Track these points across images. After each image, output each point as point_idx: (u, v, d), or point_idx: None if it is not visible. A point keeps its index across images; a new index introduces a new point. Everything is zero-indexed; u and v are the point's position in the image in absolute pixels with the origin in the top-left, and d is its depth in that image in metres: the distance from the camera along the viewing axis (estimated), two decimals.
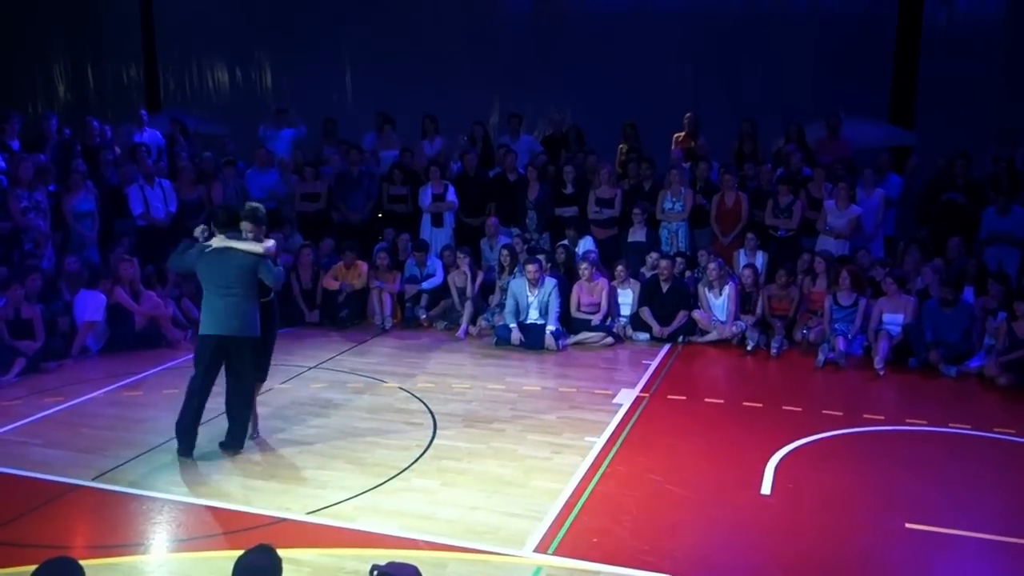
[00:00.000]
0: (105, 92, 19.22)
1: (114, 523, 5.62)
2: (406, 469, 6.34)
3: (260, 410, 7.19)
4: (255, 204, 6.89)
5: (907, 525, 5.48)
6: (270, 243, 6.70)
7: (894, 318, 9.33)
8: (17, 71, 19.23)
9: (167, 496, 5.90)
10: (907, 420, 7.50)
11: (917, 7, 13.93)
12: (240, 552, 3.21)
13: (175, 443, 6.61)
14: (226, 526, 5.53)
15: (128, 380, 8.58)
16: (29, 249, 9.95)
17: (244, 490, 5.98)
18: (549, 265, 10.41)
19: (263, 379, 7.11)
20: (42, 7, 18.65)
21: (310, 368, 8.99)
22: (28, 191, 10.02)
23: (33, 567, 3.09)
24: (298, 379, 8.59)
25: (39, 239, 10.03)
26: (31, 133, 11.78)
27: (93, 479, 6.15)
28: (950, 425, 7.36)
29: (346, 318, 10.78)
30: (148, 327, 9.75)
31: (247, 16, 17.54)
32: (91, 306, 9.44)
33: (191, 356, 9.36)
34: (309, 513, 5.62)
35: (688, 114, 12.30)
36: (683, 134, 12.28)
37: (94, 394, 8.15)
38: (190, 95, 18.53)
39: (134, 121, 12.76)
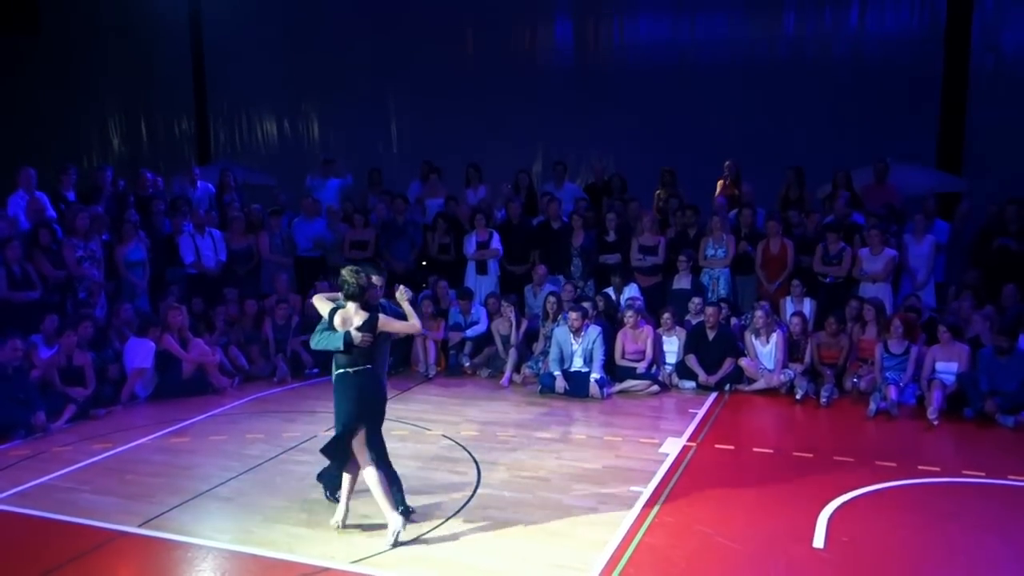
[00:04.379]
0: (158, 144, 19.76)
1: (158, 570, 5.64)
2: (451, 518, 6.28)
3: (307, 458, 7.18)
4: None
5: None
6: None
7: (948, 367, 9.11)
8: (74, 125, 19.90)
9: (211, 544, 5.91)
10: (964, 472, 7.27)
11: (964, 53, 13.84)
12: None
13: (221, 490, 6.62)
14: (269, 575, 5.51)
15: (175, 427, 8.67)
16: (83, 298, 10.18)
17: (288, 538, 5.96)
18: (595, 312, 10.36)
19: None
20: (97, 62, 19.34)
21: None
22: (83, 241, 10.29)
23: None
24: None
25: (93, 288, 10.27)
26: (86, 184, 12.13)
27: (139, 526, 6.18)
28: (1009, 477, 7.11)
29: (390, 366, 10.76)
30: (195, 374, 9.87)
31: (295, 70, 17.97)
32: (140, 353, 9.60)
33: (238, 403, 9.58)
34: (353, 563, 5.58)
35: (728, 162, 12.29)
36: (726, 181, 12.26)
37: (142, 440, 8.24)
38: (240, 146, 18.97)
39: (186, 176, 13.07)
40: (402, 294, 6.29)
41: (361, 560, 5.60)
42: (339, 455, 6.02)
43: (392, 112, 17.91)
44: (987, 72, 14.13)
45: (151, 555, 5.82)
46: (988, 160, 13.32)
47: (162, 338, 9.81)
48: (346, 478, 6.13)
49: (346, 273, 5.91)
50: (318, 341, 5.97)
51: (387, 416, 8.80)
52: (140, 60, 19.21)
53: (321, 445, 6.15)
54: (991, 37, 14.26)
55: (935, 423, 8.58)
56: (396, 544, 5.75)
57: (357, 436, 5.92)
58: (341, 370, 5.98)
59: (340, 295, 6.00)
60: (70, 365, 9.07)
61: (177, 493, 6.77)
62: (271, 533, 6.06)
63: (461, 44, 17.33)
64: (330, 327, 5.92)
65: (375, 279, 6.19)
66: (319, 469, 6.59)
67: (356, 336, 5.82)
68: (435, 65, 16.96)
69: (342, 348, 5.83)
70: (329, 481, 6.53)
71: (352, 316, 5.92)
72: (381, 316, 5.98)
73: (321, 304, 6.15)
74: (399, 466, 7.33)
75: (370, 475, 5.89)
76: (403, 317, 6.24)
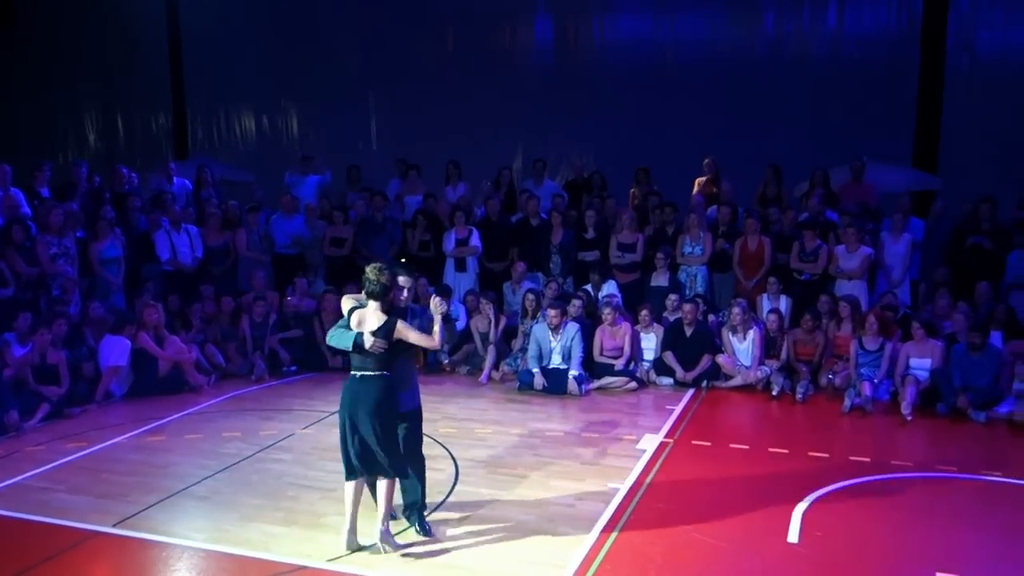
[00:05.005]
0: (134, 140, 19.61)
1: (133, 570, 5.60)
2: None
3: (284, 456, 7.14)
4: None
5: (938, 575, 5.33)
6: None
7: (921, 363, 9.20)
8: (49, 120, 19.72)
9: (187, 543, 5.87)
10: (936, 467, 7.34)
11: (939, 52, 13.96)
12: None
13: (196, 489, 6.59)
14: (245, 574, 5.49)
15: (151, 425, 8.61)
16: (57, 295, 10.08)
17: (264, 537, 5.94)
18: (580, 309, 10.37)
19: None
20: (73, 58, 19.17)
21: (332, 413, 8.91)
22: (57, 238, 10.19)
23: None
24: (320, 424, 8.58)
25: (67, 285, 10.16)
26: (61, 180, 12.01)
27: (114, 525, 6.13)
28: (981, 472, 7.20)
29: None
30: (172, 372, 9.80)
31: (274, 65, 17.87)
32: (115, 351, 9.52)
33: (214, 401, 9.52)
34: (330, 560, 5.57)
35: (707, 159, 12.35)
36: (704, 179, 12.31)
37: (117, 439, 8.17)
38: (218, 143, 18.86)
39: (162, 173, 12.96)
40: (437, 305, 5.79)
41: (337, 559, 5.58)
42: (346, 470, 5.70)
43: (372, 109, 17.87)
44: (962, 72, 14.28)
45: (126, 555, 5.77)
46: (963, 159, 13.45)
47: (137, 336, 9.74)
48: (350, 489, 5.70)
49: (370, 271, 5.57)
50: (331, 337, 5.71)
51: None
52: (117, 55, 19.04)
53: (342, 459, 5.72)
54: (966, 37, 14.41)
55: (909, 419, 8.67)
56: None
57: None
58: (352, 371, 5.65)
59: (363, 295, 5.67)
60: (44, 363, 8.97)
61: (152, 492, 6.72)
62: (247, 532, 6.03)
63: (442, 42, 17.32)
64: (347, 326, 5.63)
65: (402, 280, 5.75)
66: (300, 470, 6.53)
67: (368, 340, 5.47)
68: (416, 62, 16.94)
69: (350, 349, 5.54)
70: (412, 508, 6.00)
71: (369, 317, 5.59)
72: (399, 322, 5.58)
73: (345, 302, 5.85)
74: None
75: (381, 486, 5.67)
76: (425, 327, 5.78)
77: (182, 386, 9.80)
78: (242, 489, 6.83)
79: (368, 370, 5.55)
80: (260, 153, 18.19)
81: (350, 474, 5.66)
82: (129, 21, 18.92)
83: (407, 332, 5.61)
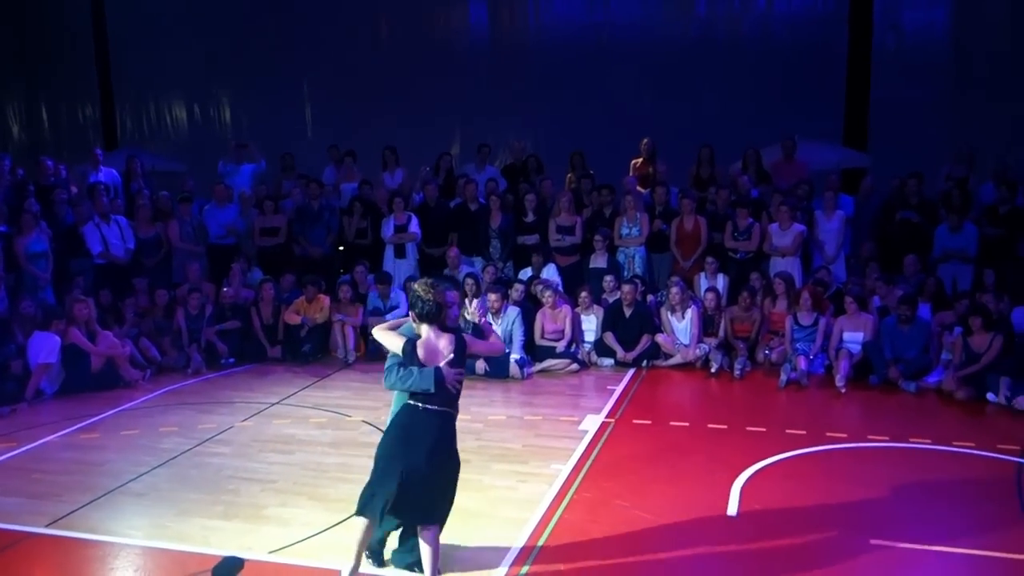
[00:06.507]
0: (60, 131, 19.06)
1: (68, 571, 5.46)
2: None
3: (224, 449, 7.01)
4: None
5: (871, 541, 5.49)
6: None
7: (854, 336, 9.44)
8: None
9: (124, 540, 5.74)
10: (869, 437, 7.55)
11: (866, 33, 14.28)
12: None
13: (133, 485, 6.45)
14: (185, 569, 5.39)
15: (84, 423, 8.39)
16: None
17: (203, 531, 5.84)
18: (521, 288, 10.39)
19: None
20: None
21: (272, 404, 8.87)
22: None
23: None
24: (260, 415, 8.47)
25: None
26: None
27: (47, 526, 5.97)
28: (911, 440, 7.42)
29: (309, 353, 10.66)
30: (105, 368, 9.57)
31: (205, 52, 17.51)
32: (45, 348, 9.25)
33: (150, 396, 9.33)
34: (271, 552, 5.50)
35: (645, 140, 12.44)
36: (640, 160, 12.41)
37: (49, 438, 7.95)
38: (148, 132, 18.43)
39: (89, 160, 12.61)
40: (474, 312, 5.47)
41: (278, 550, 5.53)
42: (373, 508, 4.80)
43: (306, 96, 17.63)
44: (889, 50, 14.63)
45: (61, 555, 5.62)
46: (891, 136, 13.80)
47: (68, 331, 9.47)
48: (361, 528, 4.91)
49: (420, 288, 4.78)
50: (394, 382, 4.76)
51: (306, 403, 8.88)
52: (39, 43, 18.45)
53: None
54: (892, 16, 14.76)
55: (843, 391, 8.90)
56: None
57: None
58: (411, 401, 4.78)
59: (409, 318, 4.94)
60: None
61: (87, 491, 6.56)
62: (186, 527, 5.93)
63: (377, 27, 17.14)
64: (411, 361, 4.73)
65: (450, 296, 5.00)
66: (241, 462, 6.43)
67: (450, 374, 4.69)
68: (350, 47, 16.75)
69: (432, 390, 4.66)
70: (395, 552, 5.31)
71: (437, 344, 4.76)
72: (467, 337, 4.94)
73: (388, 337, 4.93)
74: (317, 454, 7.33)
75: (359, 525, 4.87)
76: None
77: (116, 382, 9.57)
78: (180, 484, 6.70)
79: (433, 404, 4.75)
80: (192, 142, 17.85)
81: (373, 514, 4.81)
82: (50, 6, 18.32)
83: (475, 345, 5.04)
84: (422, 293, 4.74)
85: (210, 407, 8.84)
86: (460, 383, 4.77)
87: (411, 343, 4.76)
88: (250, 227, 12.01)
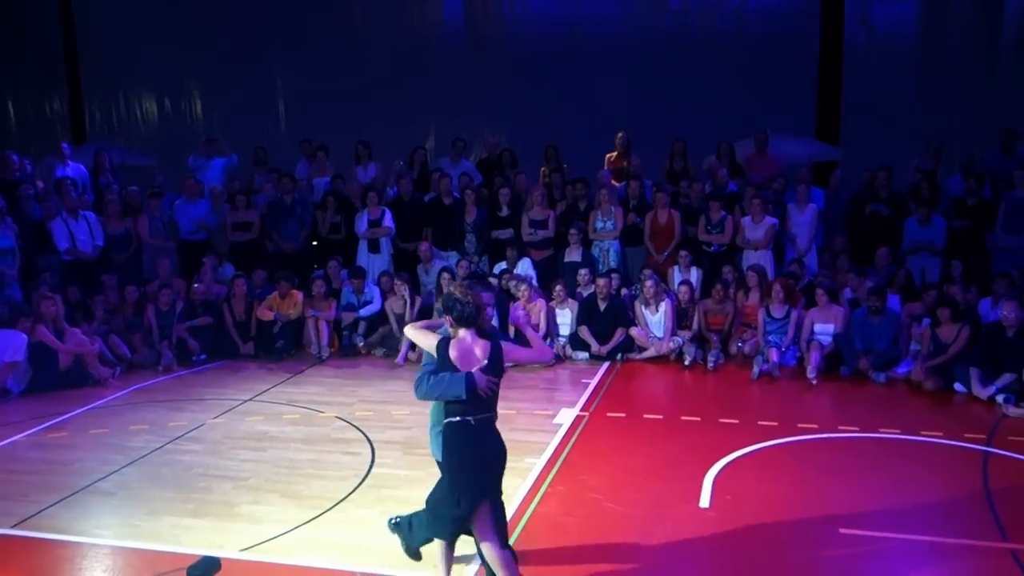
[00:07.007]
0: (27, 126, 18.74)
1: (37, 572, 5.38)
2: (343, 500, 6.22)
3: (195, 447, 6.95)
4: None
5: (841, 531, 5.54)
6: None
7: (825, 328, 9.51)
8: None
9: (93, 540, 5.68)
10: (840, 427, 7.62)
11: (837, 28, 14.38)
12: None
13: (102, 484, 6.37)
14: (156, 568, 5.34)
15: (52, 422, 8.29)
16: None
17: (174, 529, 5.79)
18: (495, 283, 10.38)
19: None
20: None
21: (245, 401, 8.81)
22: None
23: None
24: (232, 412, 8.40)
25: None
26: None
27: (13, 527, 5.89)
28: (880, 431, 7.50)
29: (282, 349, 10.59)
30: (73, 366, 9.45)
31: (175, 45, 17.27)
32: (11, 346, 9.12)
33: (120, 394, 9.23)
34: (243, 550, 5.46)
35: (620, 134, 12.46)
36: (615, 154, 12.43)
37: (15, 437, 7.85)
38: (117, 126, 18.18)
39: (56, 155, 12.42)
40: (532, 305, 5.07)
41: (250, 548, 5.49)
42: (443, 529, 4.72)
43: (279, 89, 17.47)
44: (859, 45, 14.74)
45: (29, 556, 5.54)
46: (861, 130, 13.92)
47: (35, 329, 9.35)
48: (440, 546, 4.81)
49: (457, 290, 4.62)
50: (426, 391, 4.54)
51: (279, 400, 8.83)
52: (5, 35, 18.11)
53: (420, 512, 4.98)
54: (863, 11, 14.87)
55: (814, 382, 8.97)
56: None
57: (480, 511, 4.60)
58: (456, 418, 4.55)
59: (444, 322, 4.71)
60: None
61: (55, 490, 6.48)
62: (157, 525, 5.87)
63: (349, 19, 17.01)
64: (443, 363, 4.55)
65: (486, 297, 4.79)
66: (212, 459, 6.39)
67: (481, 380, 4.46)
68: (323, 41, 16.60)
69: (464, 396, 4.44)
70: (406, 538, 5.24)
71: (472, 348, 4.55)
72: (505, 344, 4.73)
73: (422, 335, 4.78)
74: (289, 450, 7.29)
75: (493, 555, 4.60)
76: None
77: (85, 380, 9.45)
78: (151, 482, 6.63)
79: (482, 413, 4.57)
80: (162, 136, 17.63)
81: (453, 535, 4.76)
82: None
83: (515, 352, 4.81)
84: (460, 296, 4.56)
85: (181, 404, 8.76)
86: (494, 391, 4.56)
87: (445, 341, 4.60)
88: (222, 222, 11.90)
